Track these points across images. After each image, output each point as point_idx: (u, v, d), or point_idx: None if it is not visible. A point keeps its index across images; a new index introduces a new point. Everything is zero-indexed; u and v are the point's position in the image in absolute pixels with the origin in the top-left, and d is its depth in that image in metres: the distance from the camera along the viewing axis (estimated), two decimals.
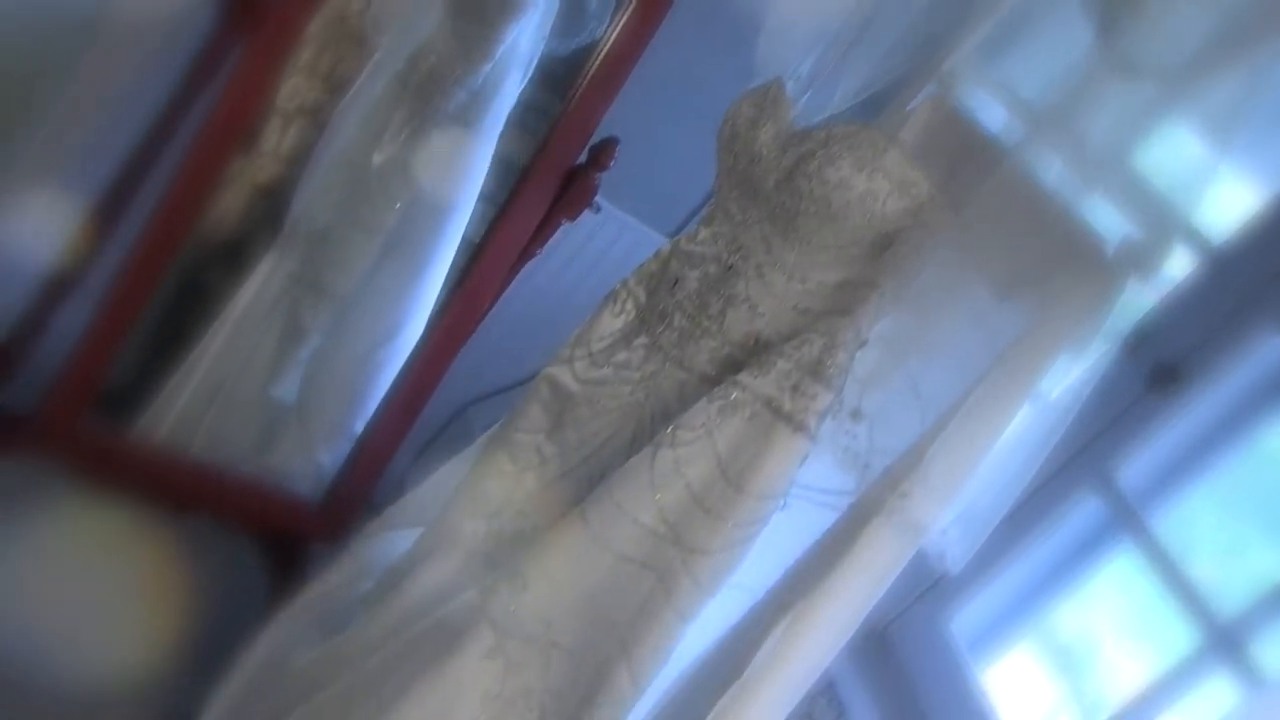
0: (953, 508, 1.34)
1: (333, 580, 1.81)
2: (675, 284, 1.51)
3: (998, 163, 1.33)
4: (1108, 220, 1.34)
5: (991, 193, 1.33)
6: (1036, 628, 2.16)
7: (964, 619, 2.13)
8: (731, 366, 1.44)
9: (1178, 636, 1.99)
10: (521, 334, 2.52)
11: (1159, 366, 1.99)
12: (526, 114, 2.24)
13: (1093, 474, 2.02)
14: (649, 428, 1.48)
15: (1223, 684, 1.91)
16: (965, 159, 1.37)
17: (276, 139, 2.21)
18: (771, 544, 1.43)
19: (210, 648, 1.98)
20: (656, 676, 1.42)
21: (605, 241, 2.61)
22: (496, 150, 2.24)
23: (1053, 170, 1.33)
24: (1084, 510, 2.06)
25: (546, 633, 1.43)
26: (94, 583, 2.05)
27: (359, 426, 2.23)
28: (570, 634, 1.43)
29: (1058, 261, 1.33)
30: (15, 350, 2.06)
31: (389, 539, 1.79)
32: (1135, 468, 2.04)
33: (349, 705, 1.54)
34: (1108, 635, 2.13)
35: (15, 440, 1.96)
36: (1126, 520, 2.02)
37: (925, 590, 2.12)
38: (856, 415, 1.37)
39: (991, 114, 1.44)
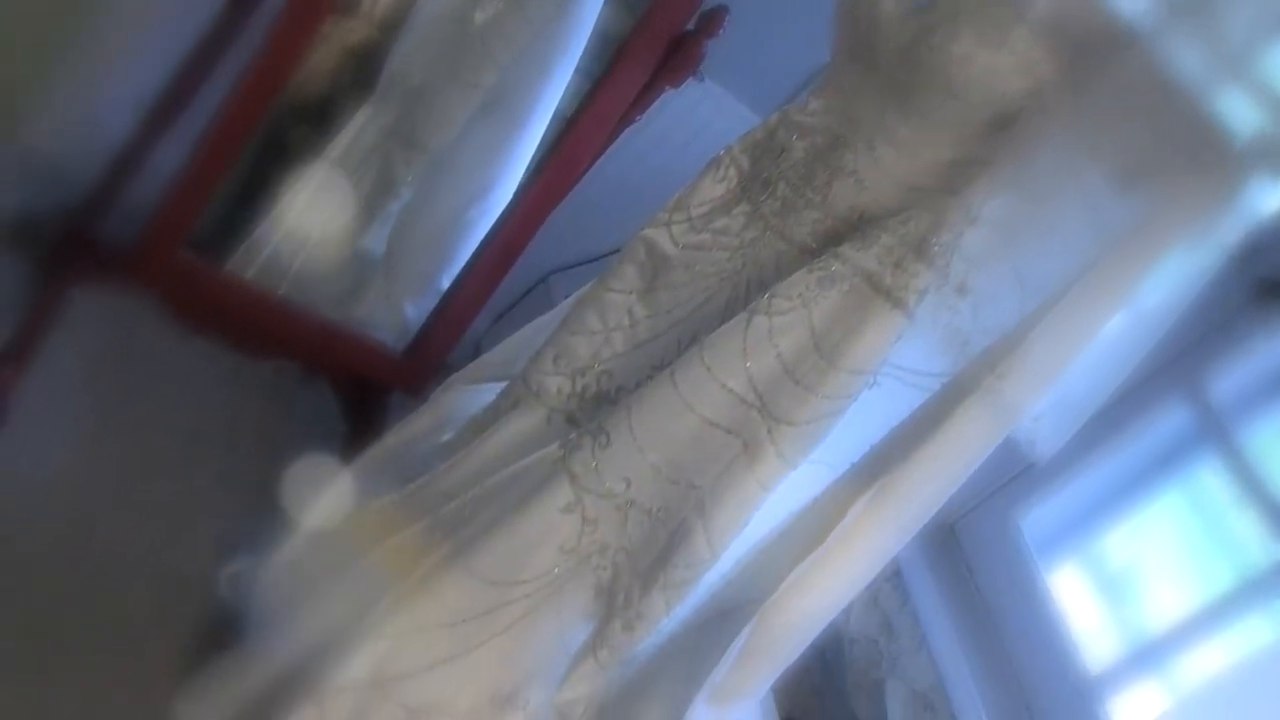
0: (1048, 394, 1.32)
1: (411, 429, 1.84)
2: (781, 153, 1.49)
3: (1128, 49, 1.29)
4: (1237, 118, 1.29)
5: (1119, 79, 1.29)
6: (1102, 539, 2.15)
7: (1034, 521, 2.12)
8: (833, 239, 1.42)
9: (1221, 573, 1.99)
10: (610, 205, 2.50)
11: (1265, 280, 1.94)
12: None
13: (1184, 383, 1.98)
14: (744, 295, 1.47)
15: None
16: (1095, 42, 1.32)
17: (371, 2, 2.20)
18: (857, 421, 1.43)
19: (290, 489, 2.03)
20: (732, 542, 1.43)
21: (704, 117, 2.57)
22: (596, 24, 2.21)
23: (1185, 61, 1.29)
24: (1170, 420, 2.03)
25: (626, 491, 1.44)
26: (178, 414, 2.09)
27: (445, 283, 2.24)
28: (650, 494, 1.44)
29: (1181, 155, 1.30)
30: (115, 185, 2.08)
31: (470, 392, 1.81)
32: (1228, 382, 2.00)
33: (425, 548, 1.57)
34: (1155, 565, 2.11)
35: (112, 272, 1.99)
36: (1213, 433, 1.99)
37: (998, 487, 2.11)
38: (962, 290, 1.35)
39: None
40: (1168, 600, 2.03)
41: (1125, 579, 2.10)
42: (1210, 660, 1.95)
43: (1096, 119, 1.28)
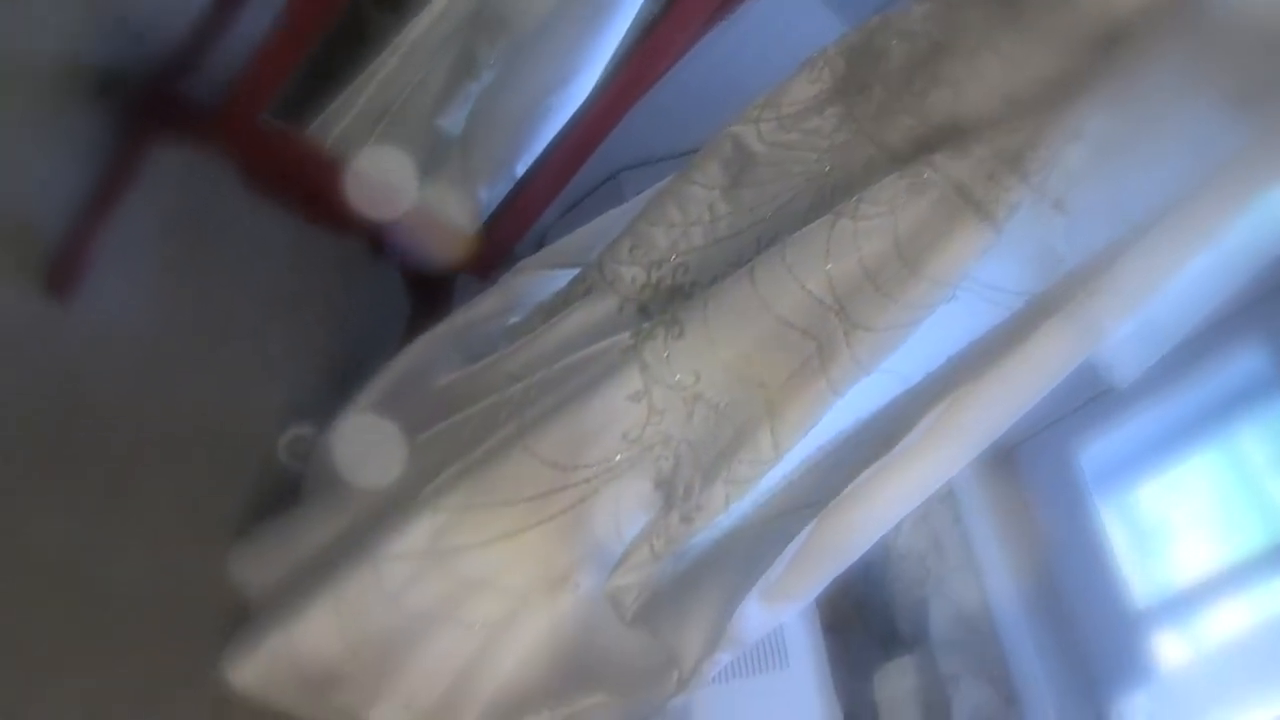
0: (1136, 318, 1.31)
1: (480, 310, 1.84)
2: (880, 57, 1.46)
3: None
4: None
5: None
6: (1143, 485, 2.14)
7: (1091, 455, 2.11)
8: (925, 147, 1.39)
9: (1252, 534, 1.97)
10: (686, 106, 2.47)
11: None
12: None
13: (1265, 326, 1.95)
14: (829, 198, 1.45)
15: None
16: None
17: None
18: (932, 334, 1.42)
19: (352, 362, 2.05)
20: (798, 444, 1.43)
21: (789, 21, 2.53)
22: None
23: None
24: (1246, 363, 2.00)
25: (695, 384, 1.44)
26: (249, 280, 2.11)
27: (520, 169, 2.22)
28: (718, 389, 1.44)
29: None
30: (201, 46, 2.08)
31: (541, 277, 1.80)
32: None
33: (489, 426, 1.58)
34: (1186, 520, 2.10)
35: (193, 132, 1.99)
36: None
37: (1062, 416, 2.10)
38: (1058, 207, 1.33)
39: None
40: (1195, 556, 2.02)
41: (1156, 530, 2.09)
42: (1235, 618, 1.95)
43: (1212, 40, 1.25)
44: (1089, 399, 2.04)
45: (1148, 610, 1.97)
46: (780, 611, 1.51)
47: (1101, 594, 1.98)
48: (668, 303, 1.52)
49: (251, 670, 1.58)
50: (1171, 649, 1.97)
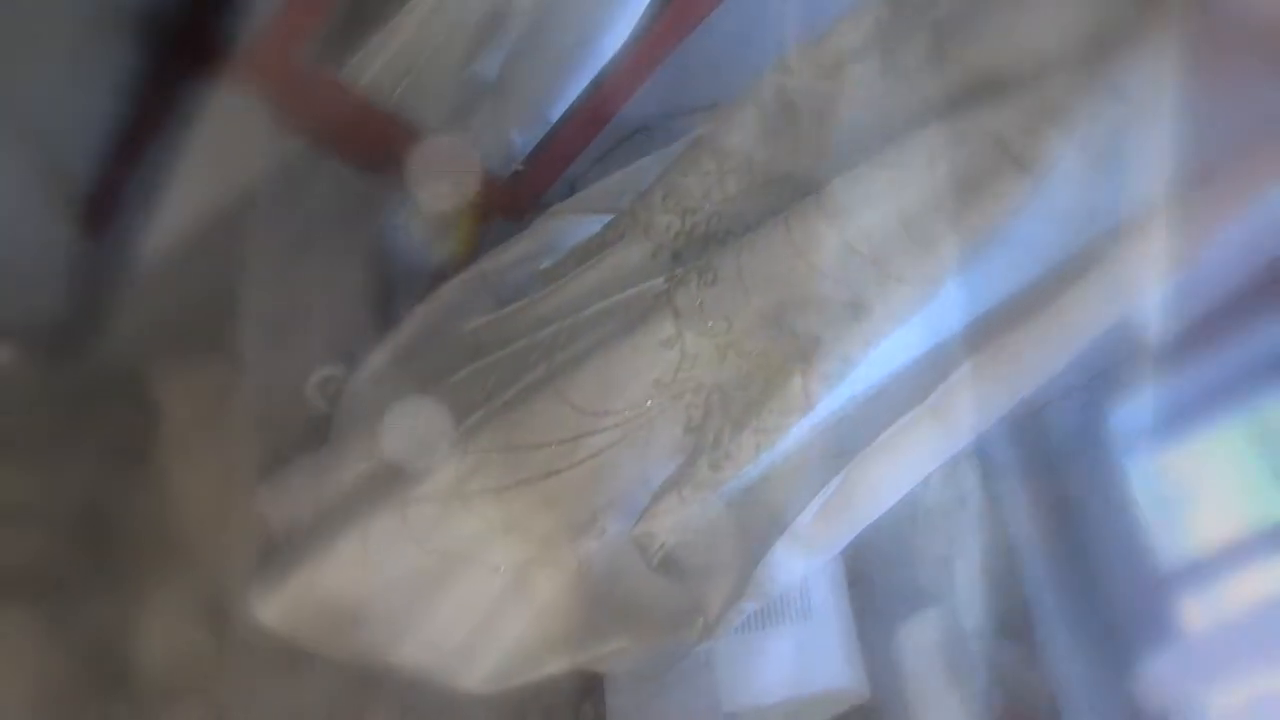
0: (1176, 276, 1.29)
1: (511, 254, 1.84)
2: (928, 6, 1.44)
3: None
4: None
5: None
6: (1169, 452, 2.12)
7: (1124, 415, 2.09)
8: (966, 98, 1.37)
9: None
10: (718, 59, 2.45)
11: None
12: None
13: None
14: (868, 147, 1.43)
15: None
16: None
17: None
18: (966, 287, 1.41)
19: (384, 304, 2.05)
20: (830, 394, 1.42)
21: None
22: None
23: None
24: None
25: (727, 331, 1.44)
26: (282, 219, 2.11)
27: (554, 115, 2.22)
28: (751, 336, 1.44)
29: None
30: None
31: (574, 221, 1.80)
32: None
33: (519, 369, 1.58)
34: (1207, 489, 2.09)
35: (229, 69, 1.99)
36: None
37: (1093, 376, 2.08)
38: (1098, 163, 1.31)
39: None
40: (1223, 521, 2.01)
41: (1184, 494, 2.08)
42: (1262, 584, 1.94)
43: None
44: (1122, 359, 2.02)
45: (1174, 573, 1.96)
46: (807, 561, 1.51)
47: (1128, 555, 1.97)
48: (702, 250, 1.51)
49: (277, 606, 1.60)
50: (1197, 612, 1.96)
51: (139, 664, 1.59)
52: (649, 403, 1.46)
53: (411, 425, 1.63)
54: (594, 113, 2.19)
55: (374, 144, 2.11)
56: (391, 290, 2.18)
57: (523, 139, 2.24)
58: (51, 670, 1.52)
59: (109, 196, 1.83)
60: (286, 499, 1.71)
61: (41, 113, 1.83)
